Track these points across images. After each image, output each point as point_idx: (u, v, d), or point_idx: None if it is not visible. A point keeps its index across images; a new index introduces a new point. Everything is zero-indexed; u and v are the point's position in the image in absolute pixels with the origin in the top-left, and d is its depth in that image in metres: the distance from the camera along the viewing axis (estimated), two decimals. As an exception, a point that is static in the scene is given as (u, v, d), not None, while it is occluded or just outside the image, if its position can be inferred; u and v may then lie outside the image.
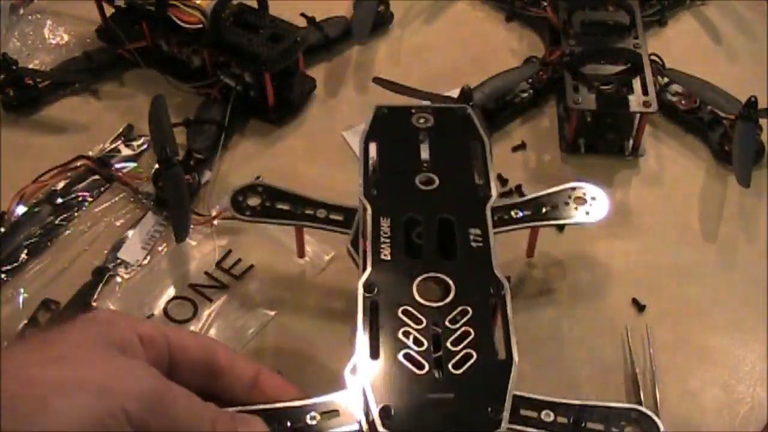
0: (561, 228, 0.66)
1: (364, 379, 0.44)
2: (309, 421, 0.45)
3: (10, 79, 0.74)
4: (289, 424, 0.45)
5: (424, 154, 0.56)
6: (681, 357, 0.58)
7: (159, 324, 0.57)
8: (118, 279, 0.63)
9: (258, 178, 0.68)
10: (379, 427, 0.42)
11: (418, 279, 0.48)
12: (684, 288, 0.62)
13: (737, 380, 0.57)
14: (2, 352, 0.51)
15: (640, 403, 0.55)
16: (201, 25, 0.70)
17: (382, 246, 0.50)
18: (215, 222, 0.66)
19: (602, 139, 0.70)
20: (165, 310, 0.61)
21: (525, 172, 0.70)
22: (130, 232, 0.66)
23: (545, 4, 0.80)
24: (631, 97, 0.67)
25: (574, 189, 0.59)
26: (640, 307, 0.61)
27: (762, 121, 0.68)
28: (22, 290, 0.62)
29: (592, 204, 0.58)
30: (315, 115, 0.76)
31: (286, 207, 0.59)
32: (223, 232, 0.66)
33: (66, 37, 0.82)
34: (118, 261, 0.64)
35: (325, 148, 0.72)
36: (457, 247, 0.50)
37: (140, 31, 0.76)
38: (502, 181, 0.69)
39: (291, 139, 0.74)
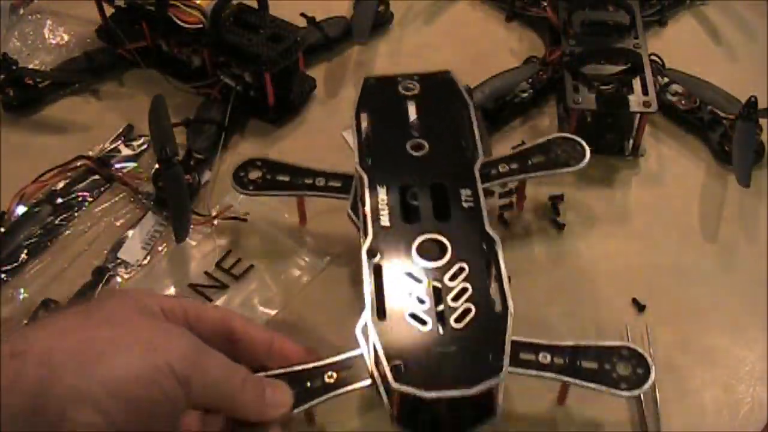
0: (561, 227, 0.66)
1: (374, 339, 0.47)
2: (327, 380, 0.49)
3: (10, 79, 0.74)
4: (308, 384, 0.49)
5: (413, 120, 0.59)
6: (681, 357, 0.58)
7: (177, 298, 0.59)
8: (118, 279, 0.63)
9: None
10: (392, 382, 0.45)
11: (417, 241, 0.51)
12: (684, 288, 0.62)
13: (737, 380, 0.57)
14: (41, 320, 0.56)
15: (640, 403, 0.55)
16: (201, 25, 0.70)
17: (381, 213, 0.53)
18: (215, 222, 0.66)
19: (602, 139, 0.70)
20: (165, 310, 0.61)
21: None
22: (130, 232, 0.66)
23: (545, 4, 0.80)
24: (631, 97, 0.67)
25: (555, 140, 0.63)
26: (640, 307, 0.61)
27: (762, 121, 0.68)
28: (22, 290, 0.62)
29: (573, 153, 0.62)
30: (315, 115, 0.76)
31: (286, 178, 0.62)
32: (223, 232, 0.66)
33: (66, 37, 0.82)
34: (118, 261, 0.64)
35: (324, 148, 0.72)
36: (450, 209, 0.53)
37: (140, 31, 0.76)
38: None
39: (291, 139, 0.73)
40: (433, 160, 0.56)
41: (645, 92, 0.68)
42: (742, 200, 0.68)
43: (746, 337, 0.60)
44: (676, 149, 0.72)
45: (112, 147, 0.72)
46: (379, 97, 0.61)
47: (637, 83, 0.68)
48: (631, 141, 0.71)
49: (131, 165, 0.71)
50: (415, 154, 0.57)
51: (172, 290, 0.63)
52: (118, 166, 0.71)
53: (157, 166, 0.66)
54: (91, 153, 0.71)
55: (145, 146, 0.72)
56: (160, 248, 0.65)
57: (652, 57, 0.73)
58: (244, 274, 0.63)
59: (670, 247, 0.65)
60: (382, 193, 0.54)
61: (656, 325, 0.59)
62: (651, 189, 0.69)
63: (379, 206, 0.53)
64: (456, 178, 0.55)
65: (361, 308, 0.52)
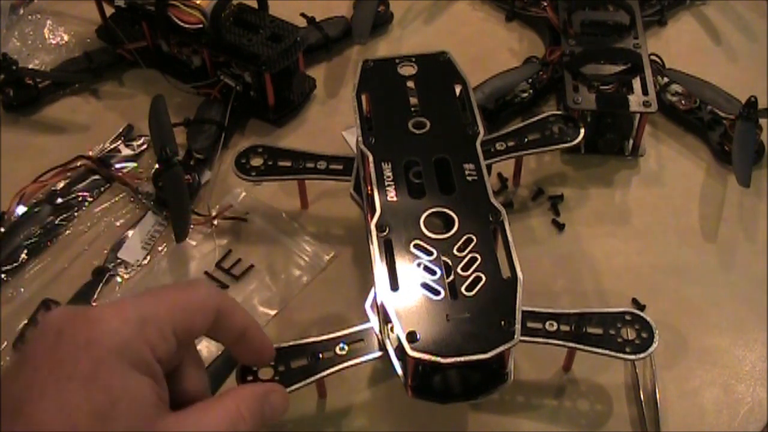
0: (561, 227, 0.66)
1: (389, 309, 0.47)
2: (339, 352, 0.51)
3: (10, 79, 0.74)
4: (321, 355, 0.51)
5: (413, 100, 0.60)
6: (681, 357, 0.58)
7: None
8: (118, 279, 0.63)
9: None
10: (408, 350, 0.45)
11: (424, 215, 0.52)
12: (684, 288, 0.62)
13: (737, 380, 0.57)
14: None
15: (641, 403, 0.55)
16: (201, 25, 0.70)
17: (387, 189, 0.54)
18: (215, 222, 0.66)
19: (602, 139, 0.70)
20: (165, 310, 0.61)
21: (525, 171, 0.70)
22: (130, 232, 0.66)
23: (545, 4, 0.80)
24: (631, 97, 0.67)
25: (550, 118, 0.65)
26: (640, 307, 0.61)
27: (762, 121, 0.68)
28: (22, 290, 0.62)
29: (567, 131, 0.64)
30: (315, 115, 0.76)
31: (287, 163, 0.63)
32: (223, 232, 0.66)
33: (66, 37, 0.82)
34: (118, 261, 0.64)
35: (324, 148, 0.72)
36: (454, 183, 0.54)
37: (140, 31, 0.76)
38: (502, 180, 0.69)
39: (291, 139, 0.73)
40: (435, 137, 0.57)
41: (645, 92, 0.68)
42: (742, 200, 0.68)
43: (746, 337, 0.60)
44: (676, 149, 0.72)
45: (112, 147, 0.72)
46: (379, 78, 0.62)
47: (637, 83, 0.68)
48: (631, 141, 0.71)
49: (131, 165, 0.71)
50: (417, 131, 0.58)
51: (172, 290, 0.63)
52: (118, 166, 0.71)
53: (157, 166, 0.66)
54: (91, 153, 0.71)
55: (145, 146, 0.72)
56: (160, 248, 0.65)
57: (652, 57, 0.73)
58: (244, 274, 0.63)
59: (670, 246, 0.65)
60: (387, 170, 0.55)
61: (656, 325, 0.59)
62: (651, 189, 0.69)
63: (386, 183, 0.54)
64: (458, 153, 0.56)
65: (362, 305, 0.52)
